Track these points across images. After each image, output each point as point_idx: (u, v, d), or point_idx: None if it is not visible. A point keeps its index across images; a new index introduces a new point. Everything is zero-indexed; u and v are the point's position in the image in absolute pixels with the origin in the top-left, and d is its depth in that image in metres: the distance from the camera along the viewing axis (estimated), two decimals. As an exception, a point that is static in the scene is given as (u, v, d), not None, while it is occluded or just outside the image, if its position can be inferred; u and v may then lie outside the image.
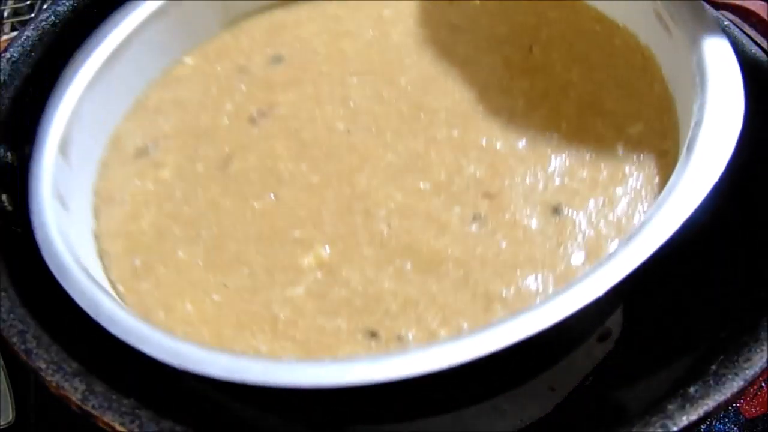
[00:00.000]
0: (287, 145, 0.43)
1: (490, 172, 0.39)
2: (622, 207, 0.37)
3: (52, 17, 0.47)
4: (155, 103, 0.48)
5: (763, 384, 0.47)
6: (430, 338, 0.34)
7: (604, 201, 0.37)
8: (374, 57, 0.47)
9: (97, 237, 0.41)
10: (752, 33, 0.46)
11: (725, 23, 0.46)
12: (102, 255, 0.41)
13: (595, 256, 0.35)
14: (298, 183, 0.41)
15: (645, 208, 0.37)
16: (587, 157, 0.39)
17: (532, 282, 0.35)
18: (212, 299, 0.37)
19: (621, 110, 0.41)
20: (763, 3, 0.46)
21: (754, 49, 0.45)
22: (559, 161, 0.39)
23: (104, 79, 0.46)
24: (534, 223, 0.37)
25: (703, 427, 0.46)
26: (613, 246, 0.36)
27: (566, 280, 0.35)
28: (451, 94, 0.44)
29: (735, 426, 0.46)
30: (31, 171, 0.40)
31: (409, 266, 0.36)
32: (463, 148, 0.41)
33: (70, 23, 0.48)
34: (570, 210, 0.37)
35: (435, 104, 0.43)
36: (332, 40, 0.49)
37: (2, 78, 0.43)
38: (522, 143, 0.40)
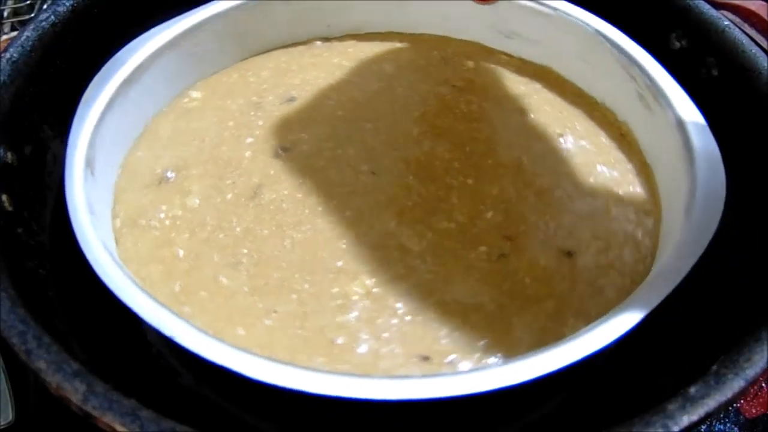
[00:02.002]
0: (315, 180, 0.45)
1: (507, 218, 0.44)
2: (624, 254, 0.43)
3: (52, 17, 0.47)
4: (169, 132, 0.48)
5: (763, 384, 0.48)
6: (478, 363, 0.38)
7: (607, 248, 0.43)
8: (384, 107, 0.50)
9: (124, 261, 0.41)
10: (752, 33, 0.48)
11: (725, 23, 0.47)
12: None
13: (608, 295, 0.41)
14: (333, 216, 0.43)
15: (644, 256, 0.43)
16: (586, 211, 0.45)
17: (554, 318, 0.40)
18: (264, 324, 0.38)
19: (609, 176, 0.47)
20: (763, 3, 0.49)
21: (754, 50, 0.46)
22: (564, 213, 0.45)
23: (120, 103, 0.46)
24: (551, 264, 0.42)
25: (703, 427, 0.46)
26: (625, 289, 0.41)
27: (586, 318, 0.40)
28: (460, 146, 0.48)
29: (735, 426, 0.46)
30: (65, 182, 0.40)
31: (448, 297, 0.40)
32: (479, 195, 0.45)
33: (70, 23, 0.48)
34: (580, 255, 0.43)
35: (447, 155, 0.47)
36: (341, 87, 0.52)
37: (2, 78, 0.43)
38: (531, 194, 0.46)
